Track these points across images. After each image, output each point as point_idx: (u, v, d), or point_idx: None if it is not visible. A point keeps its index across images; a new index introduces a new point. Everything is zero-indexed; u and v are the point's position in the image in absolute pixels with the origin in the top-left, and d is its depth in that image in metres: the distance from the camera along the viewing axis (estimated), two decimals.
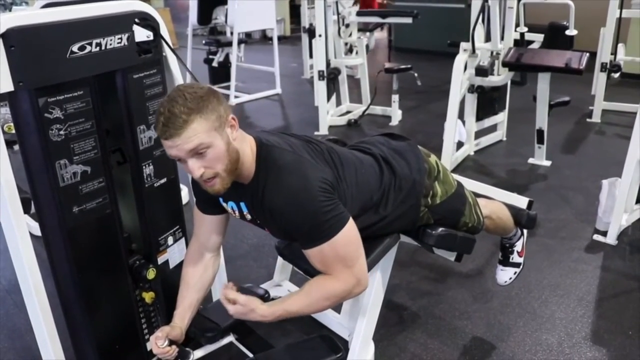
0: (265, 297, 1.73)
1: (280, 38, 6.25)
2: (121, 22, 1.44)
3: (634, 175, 2.52)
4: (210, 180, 1.26)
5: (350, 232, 1.33)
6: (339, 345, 1.57)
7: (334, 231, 1.30)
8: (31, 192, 1.39)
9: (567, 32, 3.70)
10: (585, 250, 2.59)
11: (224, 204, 1.48)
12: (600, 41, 4.44)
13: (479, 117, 3.88)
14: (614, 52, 4.36)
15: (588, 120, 4.56)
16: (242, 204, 1.42)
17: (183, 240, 1.80)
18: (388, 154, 1.55)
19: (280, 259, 2.11)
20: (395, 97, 4.61)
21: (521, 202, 2.33)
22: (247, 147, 1.33)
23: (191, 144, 1.19)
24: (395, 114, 4.68)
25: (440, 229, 1.62)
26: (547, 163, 3.64)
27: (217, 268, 1.61)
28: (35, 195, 1.39)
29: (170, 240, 1.75)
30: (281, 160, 1.32)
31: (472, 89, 3.68)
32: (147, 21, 1.50)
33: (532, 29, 3.98)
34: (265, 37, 8.83)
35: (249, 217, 1.44)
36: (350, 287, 1.36)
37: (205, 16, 5.88)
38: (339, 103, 4.94)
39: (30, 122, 1.30)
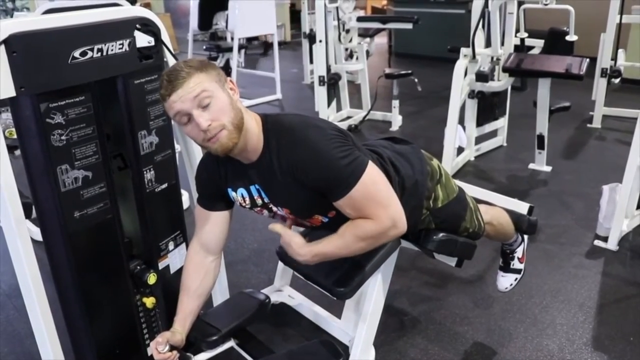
0: (266, 303, 1.73)
1: (280, 43, 6.26)
2: (122, 28, 1.44)
3: (635, 180, 2.52)
4: (216, 135, 1.27)
5: (374, 171, 1.35)
6: (340, 351, 1.58)
7: (358, 173, 1.30)
8: (32, 197, 1.39)
9: (568, 38, 3.69)
10: (586, 256, 2.59)
11: (233, 194, 1.47)
12: (601, 47, 4.45)
13: (479, 123, 3.89)
14: (614, 58, 4.36)
15: (588, 125, 4.56)
16: (253, 187, 1.43)
17: (184, 245, 1.80)
18: (392, 156, 1.56)
19: (280, 264, 2.10)
20: (395, 103, 4.62)
21: (522, 207, 2.33)
22: (251, 118, 1.35)
23: (194, 92, 1.23)
24: (396, 120, 4.69)
25: (441, 234, 1.62)
26: (548, 168, 3.64)
27: (217, 273, 1.60)
28: (36, 200, 1.39)
29: (171, 245, 1.75)
30: (288, 123, 1.36)
31: (472, 94, 3.69)
32: (148, 27, 1.50)
33: (532, 35, 3.99)
34: (265, 43, 8.84)
35: (259, 201, 1.44)
36: (385, 228, 1.33)
37: (205, 21, 5.91)
38: (339, 108, 4.94)
39: (32, 128, 1.31)
